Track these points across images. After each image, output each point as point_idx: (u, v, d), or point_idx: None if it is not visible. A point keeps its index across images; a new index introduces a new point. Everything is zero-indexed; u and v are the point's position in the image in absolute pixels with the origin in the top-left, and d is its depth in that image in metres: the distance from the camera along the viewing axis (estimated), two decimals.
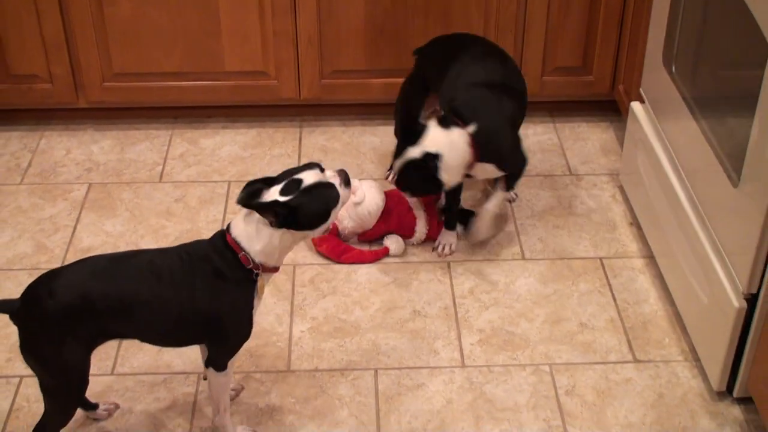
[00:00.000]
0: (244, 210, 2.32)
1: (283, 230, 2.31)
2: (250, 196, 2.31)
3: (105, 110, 3.82)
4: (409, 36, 3.56)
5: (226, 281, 2.32)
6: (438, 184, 2.97)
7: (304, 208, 2.30)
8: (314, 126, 3.82)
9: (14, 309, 2.27)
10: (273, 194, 2.31)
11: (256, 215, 2.30)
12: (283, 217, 2.27)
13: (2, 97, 3.70)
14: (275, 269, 2.38)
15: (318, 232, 2.38)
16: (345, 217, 3.16)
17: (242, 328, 2.40)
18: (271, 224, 2.29)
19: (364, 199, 3.15)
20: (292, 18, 3.55)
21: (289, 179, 2.34)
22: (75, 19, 3.53)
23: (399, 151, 3.01)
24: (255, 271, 2.33)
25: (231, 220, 2.37)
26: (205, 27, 3.56)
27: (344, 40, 3.58)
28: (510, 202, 3.41)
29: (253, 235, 2.31)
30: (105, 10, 3.51)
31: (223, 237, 2.35)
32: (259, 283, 2.36)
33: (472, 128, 2.94)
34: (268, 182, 2.35)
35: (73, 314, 2.24)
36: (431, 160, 2.91)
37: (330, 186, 2.35)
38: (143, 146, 3.73)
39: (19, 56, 3.60)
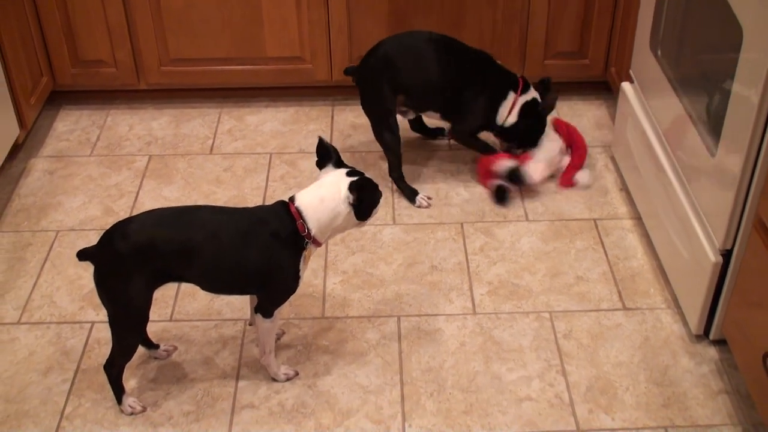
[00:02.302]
0: (317, 184, 2.37)
1: (350, 210, 2.35)
2: (322, 159, 2.42)
3: (163, 91, 3.84)
4: (426, 24, 3.54)
5: (279, 243, 2.33)
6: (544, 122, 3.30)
7: (368, 191, 2.36)
8: (345, 105, 3.82)
9: (94, 252, 2.30)
10: (341, 173, 2.37)
11: (323, 191, 2.35)
12: (359, 193, 2.33)
13: (74, 80, 3.71)
14: (319, 244, 2.40)
15: (361, 223, 2.42)
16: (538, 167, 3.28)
17: (288, 285, 2.41)
18: (351, 201, 2.33)
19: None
20: (325, 9, 3.54)
21: (352, 168, 2.40)
22: (135, 10, 3.53)
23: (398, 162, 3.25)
24: (306, 240, 2.35)
25: (296, 192, 2.39)
26: (250, 17, 3.56)
27: (370, 29, 3.57)
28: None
29: (318, 208, 2.34)
30: (161, 2, 3.52)
31: (284, 205, 2.37)
32: (305, 252, 2.37)
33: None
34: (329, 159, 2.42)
35: (141, 254, 2.26)
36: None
37: (378, 187, 2.41)
38: (196, 123, 3.74)
39: (88, 45, 3.61)
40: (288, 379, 2.58)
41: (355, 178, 2.35)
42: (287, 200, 2.38)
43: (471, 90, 3.17)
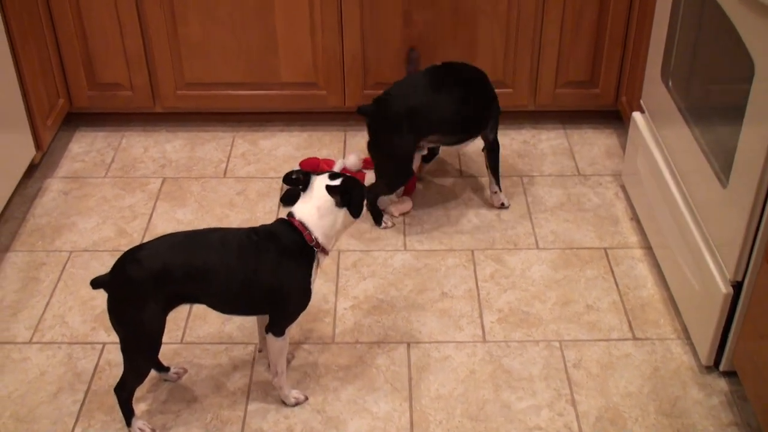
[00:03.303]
0: (308, 195, 2.40)
1: (344, 211, 2.39)
2: (294, 187, 2.44)
3: (177, 115, 3.83)
4: (439, 53, 3.53)
5: (290, 257, 2.35)
6: None
7: (356, 189, 2.40)
8: (356, 130, 3.80)
9: (107, 280, 2.29)
10: (322, 181, 2.39)
11: (315, 201, 2.37)
12: (345, 195, 2.37)
13: (91, 103, 3.71)
14: (327, 252, 2.41)
15: (356, 220, 2.45)
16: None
17: (301, 299, 2.41)
18: (336, 203, 2.37)
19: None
20: (339, 37, 3.53)
21: (331, 172, 2.45)
22: (153, 37, 3.53)
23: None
24: (316, 249, 2.37)
25: (291, 209, 2.41)
26: (265, 44, 3.55)
27: (383, 56, 3.56)
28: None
29: (317, 217, 2.37)
30: (179, 29, 3.51)
31: (285, 222, 2.39)
32: (316, 260, 2.40)
33: None
34: (305, 174, 2.45)
35: (154, 279, 2.25)
36: None
37: (358, 181, 2.45)
38: (210, 146, 3.73)
39: (105, 68, 3.61)
40: (297, 404, 2.54)
41: (334, 183, 2.38)
42: (285, 218, 2.41)
43: (485, 106, 3.20)
